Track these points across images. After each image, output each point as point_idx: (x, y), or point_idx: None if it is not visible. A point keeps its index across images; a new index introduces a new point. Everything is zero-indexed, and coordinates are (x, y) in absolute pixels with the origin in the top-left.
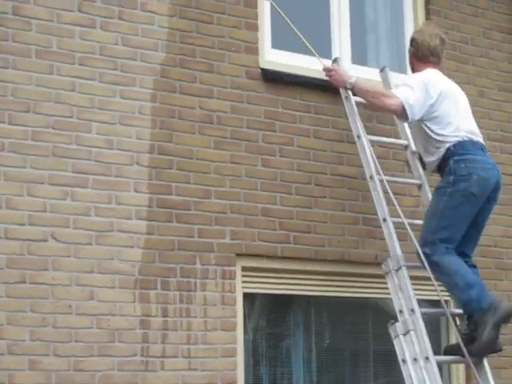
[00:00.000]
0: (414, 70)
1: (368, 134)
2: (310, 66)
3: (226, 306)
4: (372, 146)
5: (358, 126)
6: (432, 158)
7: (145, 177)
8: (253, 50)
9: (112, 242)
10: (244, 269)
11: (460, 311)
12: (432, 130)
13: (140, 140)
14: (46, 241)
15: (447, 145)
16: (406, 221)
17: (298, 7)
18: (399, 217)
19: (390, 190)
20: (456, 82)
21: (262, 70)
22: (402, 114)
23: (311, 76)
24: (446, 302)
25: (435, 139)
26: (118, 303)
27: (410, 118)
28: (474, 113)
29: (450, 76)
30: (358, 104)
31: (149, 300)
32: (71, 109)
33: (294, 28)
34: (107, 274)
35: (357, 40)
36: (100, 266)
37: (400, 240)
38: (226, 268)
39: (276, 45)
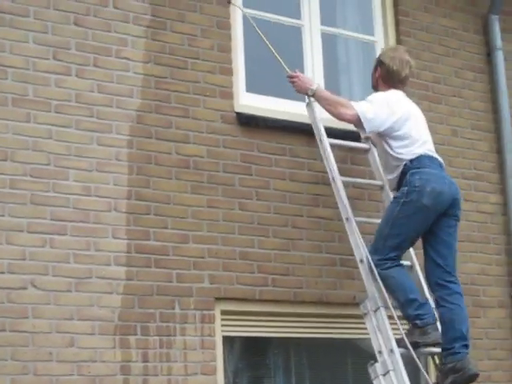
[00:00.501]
0: (376, 89)
1: (343, 175)
2: (284, 109)
3: (205, 350)
4: (347, 187)
5: (332, 167)
6: (392, 176)
7: (123, 223)
8: (227, 94)
9: (91, 289)
10: (223, 312)
11: (438, 350)
12: (392, 148)
13: (117, 186)
14: (25, 288)
15: (405, 161)
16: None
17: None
18: None
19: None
20: (429, 123)
21: (237, 113)
22: (358, 124)
23: (286, 119)
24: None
25: (395, 157)
26: (99, 349)
27: (367, 130)
28: (447, 152)
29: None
30: (332, 146)
31: (129, 346)
32: (48, 156)
33: (266, 40)
34: (87, 321)
35: (330, 82)
36: (80, 312)
37: (377, 281)
38: (206, 312)
39: (250, 88)
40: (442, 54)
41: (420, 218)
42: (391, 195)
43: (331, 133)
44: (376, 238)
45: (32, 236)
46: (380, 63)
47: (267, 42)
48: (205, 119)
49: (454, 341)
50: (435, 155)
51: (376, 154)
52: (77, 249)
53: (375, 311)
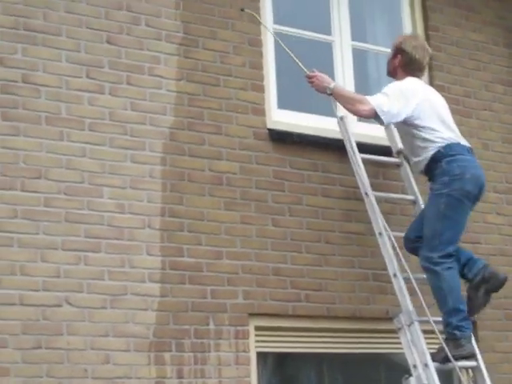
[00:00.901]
0: (394, 76)
1: (375, 190)
2: (315, 124)
3: (240, 365)
4: (379, 202)
5: (365, 183)
6: (419, 158)
7: (157, 240)
8: (259, 111)
9: (126, 306)
10: (257, 328)
11: (474, 364)
12: (418, 129)
13: (151, 203)
14: (60, 306)
15: (436, 145)
16: (412, 276)
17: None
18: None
19: (396, 246)
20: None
21: (269, 130)
22: (375, 118)
23: (317, 135)
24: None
25: (422, 137)
26: (134, 366)
27: (385, 122)
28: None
29: None
30: (364, 161)
31: (164, 362)
32: (82, 174)
33: (284, 46)
34: (122, 338)
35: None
36: (115, 329)
37: (411, 295)
38: (240, 328)
39: (282, 105)
40: (472, 68)
41: (467, 206)
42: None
43: (363, 148)
44: (428, 236)
45: (66, 253)
46: (401, 51)
47: (284, 47)
48: (237, 136)
49: (475, 262)
50: (463, 141)
51: (408, 168)
52: (111, 266)
53: (409, 325)
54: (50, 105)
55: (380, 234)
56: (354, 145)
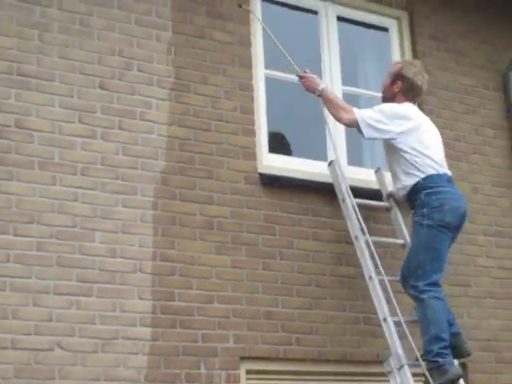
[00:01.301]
0: (391, 100)
1: (365, 234)
2: (306, 169)
3: None
4: (370, 245)
5: (355, 226)
6: (400, 185)
7: (148, 284)
8: (251, 155)
9: (118, 350)
10: (248, 372)
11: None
12: (402, 160)
13: (142, 247)
14: (52, 350)
15: (416, 176)
16: (403, 319)
17: (295, 114)
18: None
19: (390, 289)
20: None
21: (260, 174)
22: (358, 130)
23: (308, 179)
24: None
25: (405, 166)
26: None
27: (365, 135)
28: (469, 208)
29: None
30: (355, 205)
31: None
32: (74, 219)
33: (280, 46)
34: (113, 382)
35: (352, 142)
36: (106, 373)
37: (402, 337)
38: (231, 372)
39: (273, 149)
40: (462, 111)
41: (448, 236)
42: None
43: (353, 192)
44: (414, 266)
45: (59, 298)
46: (401, 77)
47: (279, 44)
48: (228, 180)
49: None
50: (443, 171)
51: (398, 212)
52: (103, 310)
53: (399, 369)
54: (42, 150)
55: (370, 277)
56: (344, 188)
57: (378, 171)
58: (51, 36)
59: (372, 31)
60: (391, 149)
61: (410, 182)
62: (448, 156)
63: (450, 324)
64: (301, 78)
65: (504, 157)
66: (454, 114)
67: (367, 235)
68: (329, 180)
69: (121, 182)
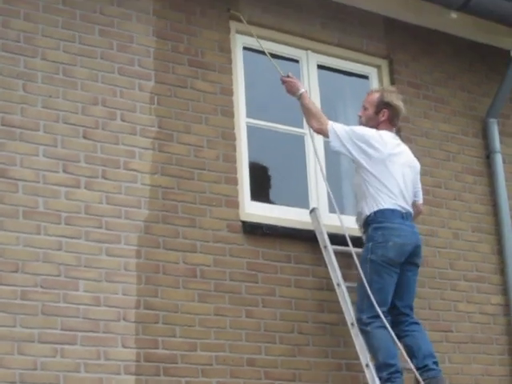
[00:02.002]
0: (373, 126)
1: (347, 280)
2: (288, 216)
3: None
4: (351, 292)
5: (337, 274)
6: (359, 210)
7: (132, 332)
8: (233, 203)
9: None
10: None
11: None
12: (366, 185)
13: (126, 296)
14: None
15: (373, 207)
16: None
17: (277, 162)
18: None
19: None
20: (430, 226)
21: (243, 222)
22: (326, 137)
23: (290, 226)
24: None
25: (367, 192)
26: None
27: (331, 146)
28: (449, 255)
29: (424, 220)
30: (336, 252)
31: None
32: (58, 267)
33: (265, 51)
34: None
35: (333, 189)
36: None
37: None
38: None
39: (255, 197)
40: (442, 158)
41: (390, 271)
42: None
43: (335, 239)
44: (358, 299)
45: (43, 346)
46: (386, 105)
47: (264, 49)
48: (211, 228)
49: (425, 358)
50: (398, 206)
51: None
52: (87, 358)
53: None
54: (27, 199)
55: (352, 324)
56: (326, 236)
57: (312, 211)
58: (35, 86)
59: (352, 78)
60: (357, 170)
61: (365, 211)
62: (428, 202)
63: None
64: (284, 81)
65: (484, 203)
66: (435, 161)
67: (346, 283)
68: (310, 227)
69: (104, 231)
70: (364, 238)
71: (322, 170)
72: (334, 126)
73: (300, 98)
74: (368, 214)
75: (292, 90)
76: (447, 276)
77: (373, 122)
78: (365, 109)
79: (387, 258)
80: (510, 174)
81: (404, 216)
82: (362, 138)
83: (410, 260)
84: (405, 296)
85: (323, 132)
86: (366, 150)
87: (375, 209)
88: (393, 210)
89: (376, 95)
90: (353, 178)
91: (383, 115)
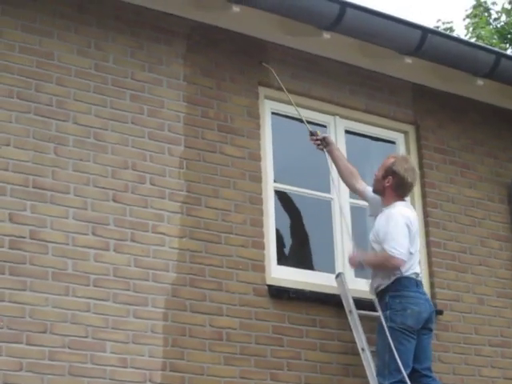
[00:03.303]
0: (382, 194)
1: (371, 345)
2: (313, 280)
3: None
4: (376, 356)
5: (361, 338)
6: (376, 280)
7: None
8: (259, 267)
9: None
10: None
11: None
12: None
13: (152, 358)
14: None
15: (390, 278)
16: None
17: (303, 226)
18: None
19: None
20: (455, 291)
21: (269, 286)
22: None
23: (315, 290)
24: None
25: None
26: None
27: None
28: (474, 320)
29: (449, 285)
30: (361, 317)
31: None
32: (86, 329)
33: (292, 100)
34: None
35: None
36: None
37: None
38: None
39: (281, 261)
40: (467, 224)
41: (409, 337)
42: None
43: (360, 304)
44: (380, 366)
45: None
46: (392, 173)
47: (295, 107)
48: (237, 292)
49: None
50: (412, 275)
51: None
52: None
53: None
54: (56, 261)
55: None
56: (351, 300)
57: (338, 276)
58: (66, 149)
59: (379, 143)
60: (379, 243)
61: (383, 284)
62: (454, 268)
63: None
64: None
65: (509, 268)
66: (460, 226)
67: (370, 347)
68: (335, 292)
69: (132, 293)
70: (378, 304)
71: (348, 230)
72: (397, 252)
73: (363, 263)
74: (385, 285)
75: (352, 260)
76: (471, 341)
77: (379, 186)
78: (378, 170)
79: (406, 325)
80: None
81: (418, 284)
82: (406, 229)
83: (424, 326)
84: (423, 359)
85: (399, 263)
86: (411, 231)
87: (393, 278)
88: (408, 278)
89: (389, 161)
90: (371, 249)
91: (388, 182)
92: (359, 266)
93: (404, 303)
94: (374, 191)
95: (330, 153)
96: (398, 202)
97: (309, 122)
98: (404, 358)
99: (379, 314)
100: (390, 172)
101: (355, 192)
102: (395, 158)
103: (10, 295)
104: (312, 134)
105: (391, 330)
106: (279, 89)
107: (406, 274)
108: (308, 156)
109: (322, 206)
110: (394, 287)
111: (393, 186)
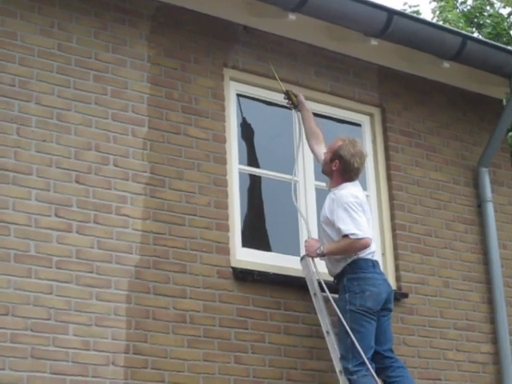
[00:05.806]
0: (330, 176)
1: (336, 328)
2: (278, 263)
3: None
4: None
5: (326, 321)
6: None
7: (121, 377)
8: (224, 249)
9: None
10: None
11: None
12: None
13: (116, 340)
14: None
15: (345, 260)
16: None
17: (268, 209)
18: None
19: None
20: (421, 274)
21: (233, 268)
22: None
23: (280, 273)
24: None
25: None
26: None
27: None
28: (439, 303)
29: (414, 268)
30: (326, 299)
31: None
32: (49, 311)
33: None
34: None
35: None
36: None
37: None
38: None
39: (246, 243)
40: (433, 207)
41: (370, 319)
42: None
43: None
44: (342, 350)
45: None
46: (339, 157)
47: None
48: (201, 274)
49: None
50: (368, 255)
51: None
52: None
53: None
54: (18, 242)
55: (340, 371)
56: (316, 283)
57: (303, 258)
58: (29, 130)
59: (345, 125)
60: (331, 225)
61: (340, 267)
62: (419, 251)
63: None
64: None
65: (475, 252)
66: (426, 209)
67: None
68: (301, 274)
69: (95, 276)
70: (337, 288)
71: (301, 215)
72: (353, 231)
73: (324, 252)
74: (342, 267)
75: (310, 250)
76: (437, 324)
77: (327, 168)
78: (326, 152)
79: (366, 307)
80: (501, 223)
81: (375, 265)
82: (359, 207)
83: (384, 307)
84: (383, 340)
85: (361, 243)
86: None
87: (349, 260)
88: (366, 260)
89: (337, 144)
90: (323, 232)
91: (335, 165)
92: (319, 256)
93: (362, 285)
94: (323, 172)
95: (301, 112)
96: (345, 183)
97: (274, 104)
98: (366, 340)
99: (338, 297)
100: (336, 156)
101: (313, 153)
102: (343, 141)
103: None
104: (286, 93)
105: (351, 312)
106: (244, 71)
107: (362, 255)
108: (271, 136)
109: (286, 188)
110: (351, 269)
111: (340, 170)
